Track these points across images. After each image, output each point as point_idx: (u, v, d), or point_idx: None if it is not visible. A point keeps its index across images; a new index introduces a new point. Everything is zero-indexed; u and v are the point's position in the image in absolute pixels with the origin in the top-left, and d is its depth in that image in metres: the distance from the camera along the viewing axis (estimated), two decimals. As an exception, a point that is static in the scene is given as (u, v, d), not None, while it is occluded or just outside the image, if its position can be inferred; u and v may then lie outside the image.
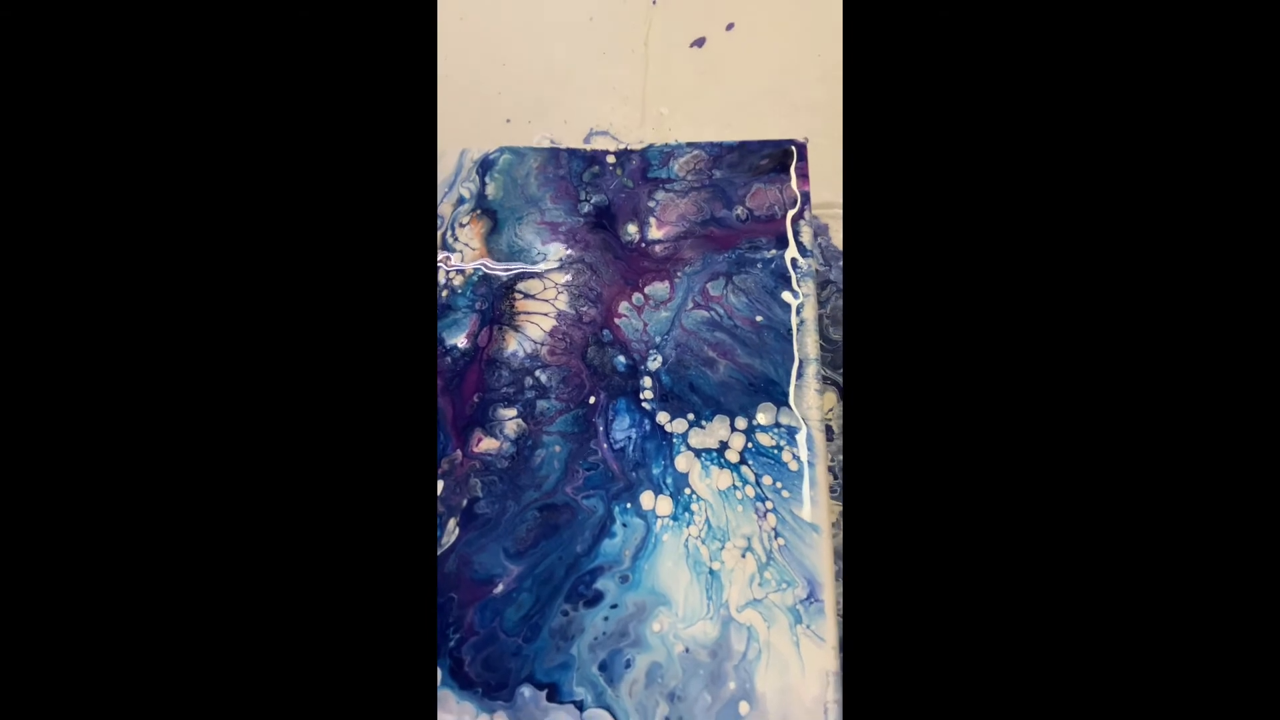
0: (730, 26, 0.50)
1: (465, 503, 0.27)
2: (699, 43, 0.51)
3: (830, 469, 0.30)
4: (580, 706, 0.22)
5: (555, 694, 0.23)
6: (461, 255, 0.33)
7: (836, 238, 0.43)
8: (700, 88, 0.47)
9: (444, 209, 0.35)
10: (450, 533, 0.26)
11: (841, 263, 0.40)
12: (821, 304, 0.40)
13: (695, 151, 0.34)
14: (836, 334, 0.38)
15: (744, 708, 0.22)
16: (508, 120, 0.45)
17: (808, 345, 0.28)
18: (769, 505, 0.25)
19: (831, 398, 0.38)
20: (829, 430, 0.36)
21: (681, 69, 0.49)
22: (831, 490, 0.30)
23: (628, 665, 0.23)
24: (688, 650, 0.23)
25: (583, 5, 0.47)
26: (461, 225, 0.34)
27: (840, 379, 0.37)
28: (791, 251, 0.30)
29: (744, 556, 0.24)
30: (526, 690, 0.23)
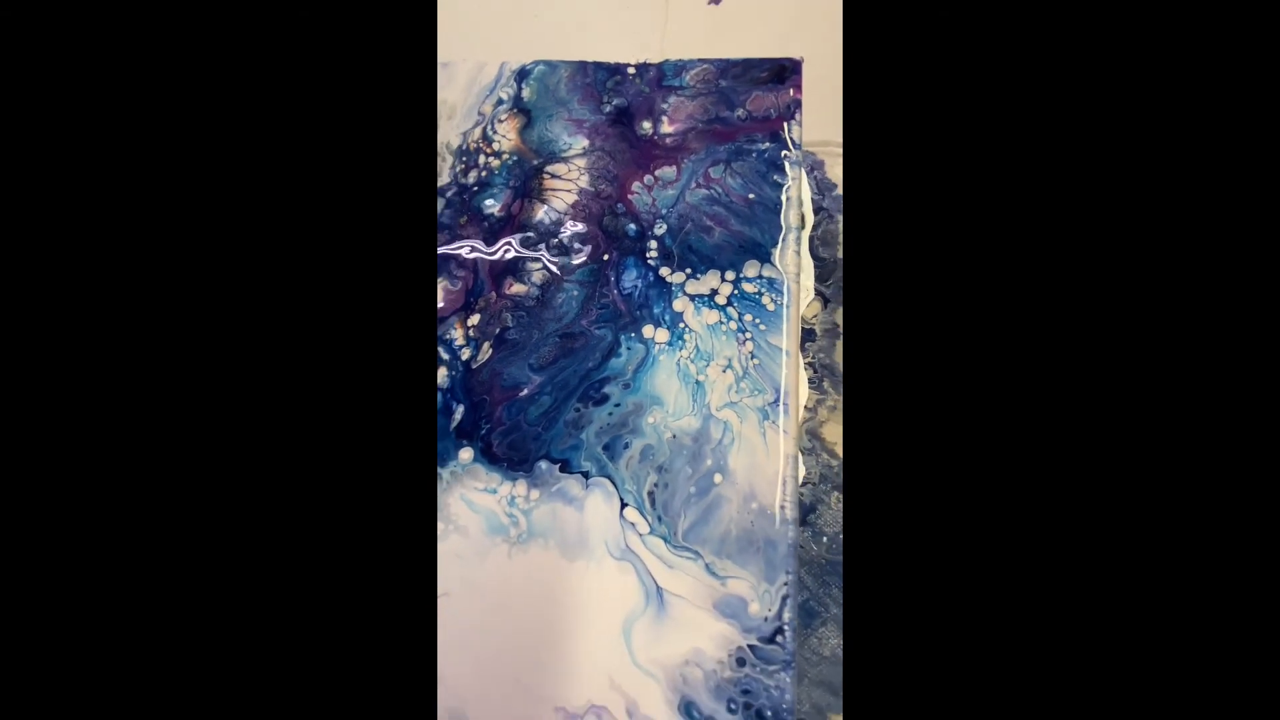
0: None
1: (497, 331, 0.32)
2: (715, 1, 0.56)
3: (806, 326, 0.35)
4: (586, 475, 0.28)
5: (566, 467, 0.28)
6: (498, 144, 0.38)
7: (832, 172, 0.48)
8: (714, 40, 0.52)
9: (485, 108, 0.40)
10: (485, 352, 0.31)
11: (837, 192, 0.45)
12: (815, 226, 0.45)
13: (705, 65, 0.39)
14: (825, 253, 0.42)
15: (718, 478, 0.27)
16: (529, 42, 0.50)
17: (791, 217, 0.33)
18: (748, 335, 0.30)
19: (816, 305, 0.43)
20: (810, 333, 0.41)
21: (699, 22, 0.53)
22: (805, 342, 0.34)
23: (625, 446, 0.28)
24: (675, 436, 0.28)
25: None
26: (500, 121, 0.39)
27: (827, 291, 0.42)
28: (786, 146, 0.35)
29: (724, 371, 0.29)
30: (543, 464, 0.28)
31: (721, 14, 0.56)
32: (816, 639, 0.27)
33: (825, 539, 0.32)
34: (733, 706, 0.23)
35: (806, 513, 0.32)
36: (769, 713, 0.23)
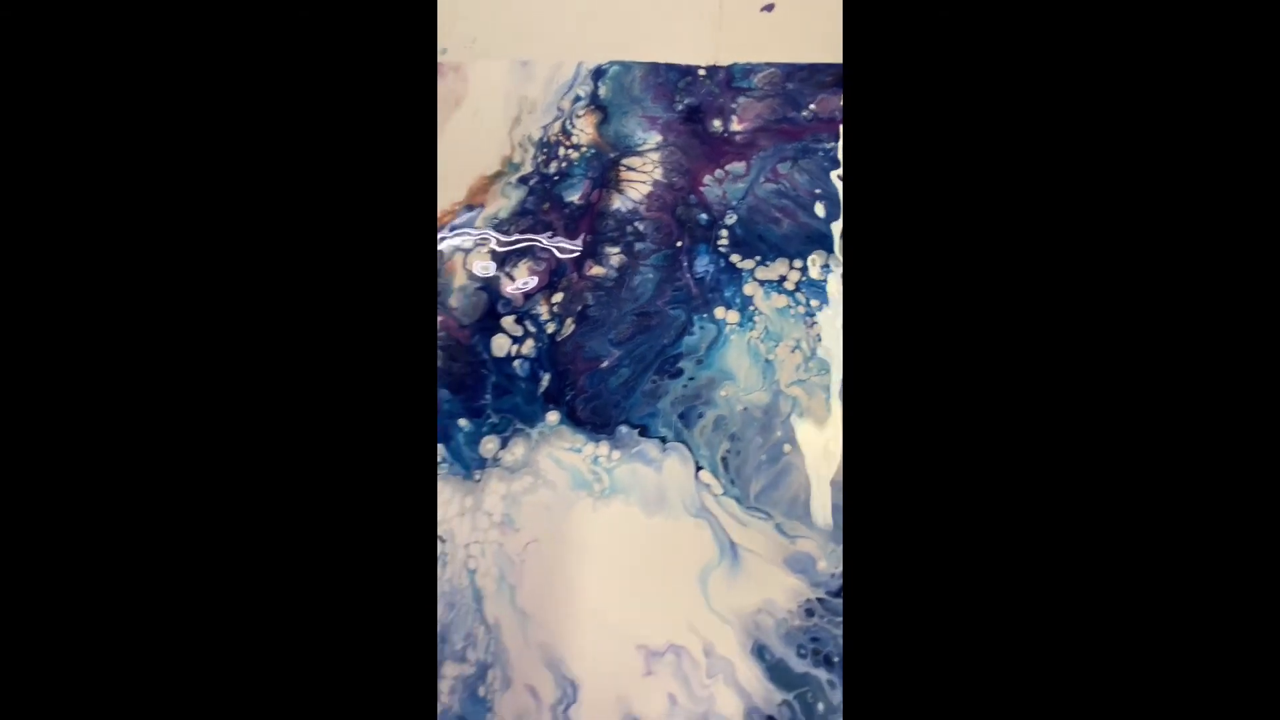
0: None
1: (579, 308, 0.34)
2: (768, 8, 0.58)
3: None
4: (664, 440, 0.30)
5: (645, 432, 0.30)
6: (577, 138, 0.40)
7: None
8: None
9: (564, 104, 0.43)
10: (568, 327, 0.34)
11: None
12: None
13: (772, 69, 0.41)
14: None
15: (787, 448, 0.29)
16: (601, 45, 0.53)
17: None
18: (815, 319, 0.32)
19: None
20: None
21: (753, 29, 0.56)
22: None
23: (699, 416, 0.30)
24: (746, 409, 0.30)
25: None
26: (578, 116, 0.42)
27: None
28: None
29: (793, 352, 0.31)
30: (624, 428, 0.31)
31: (773, 20, 0.58)
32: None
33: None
34: (802, 652, 0.25)
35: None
36: (835, 659, 0.25)
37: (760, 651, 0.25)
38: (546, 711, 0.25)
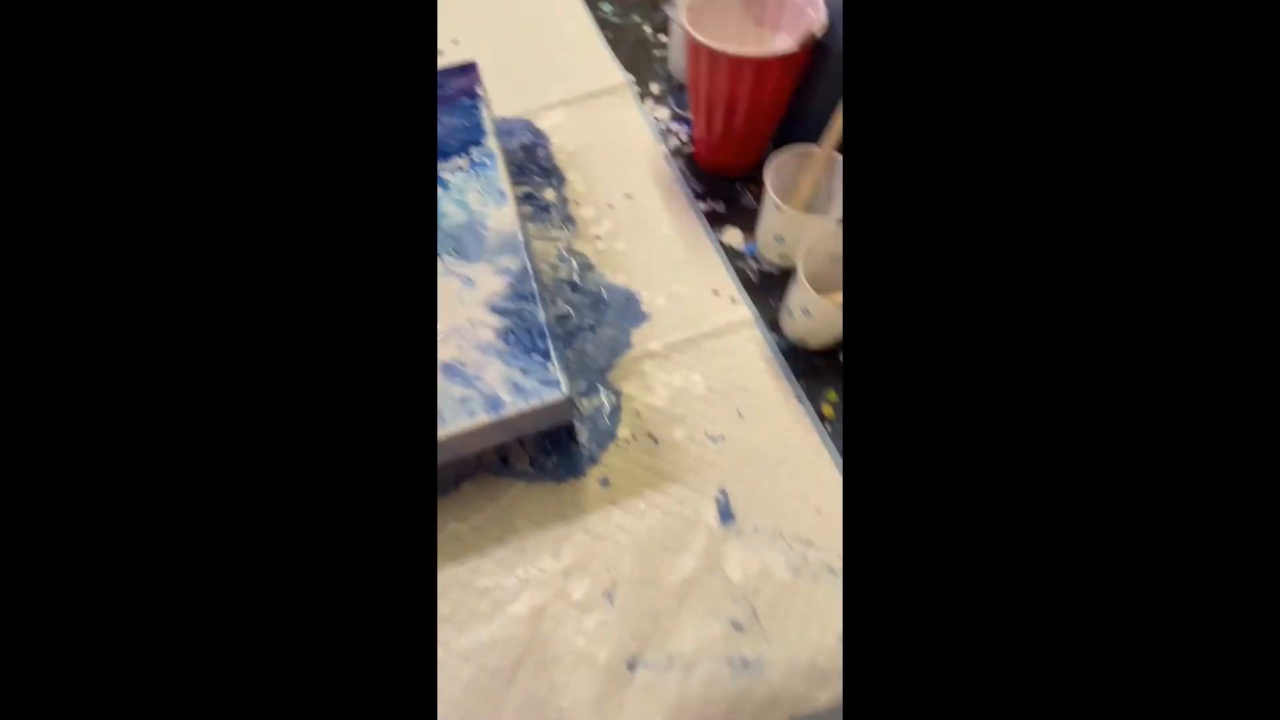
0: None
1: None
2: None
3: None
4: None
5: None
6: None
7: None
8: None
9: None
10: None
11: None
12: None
13: (437, 82, 0.69)
14: None
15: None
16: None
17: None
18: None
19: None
20: None
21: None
22: None
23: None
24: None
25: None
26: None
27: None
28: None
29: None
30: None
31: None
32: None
33: (582, 291, 0.61)
34: (513, 299, 0.50)
35: (578, 282, 0.61)
36: (528, 296, 0.50)
37: (493, 309, 0.50)
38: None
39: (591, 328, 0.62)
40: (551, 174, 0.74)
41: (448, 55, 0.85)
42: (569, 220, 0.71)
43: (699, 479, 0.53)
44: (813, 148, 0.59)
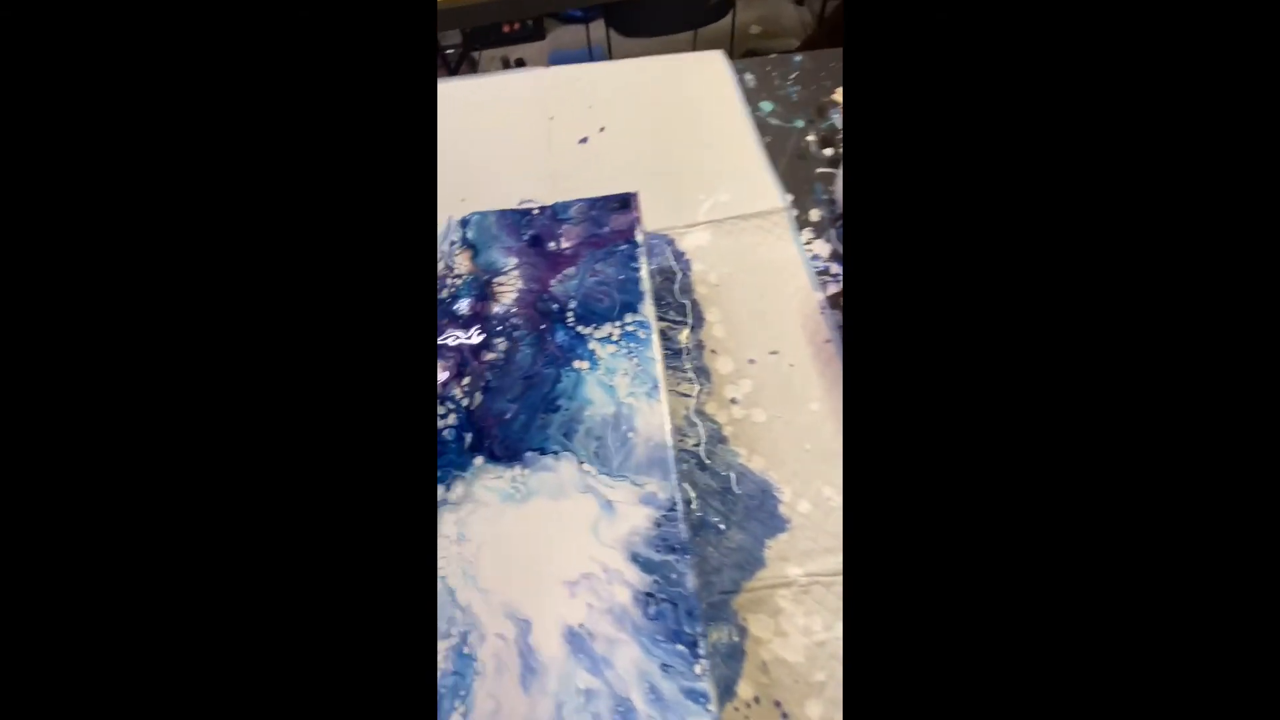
0: (603, 129, 0.80)
1: (483, 384, 0.50)
2: (584, 140, 0.80)
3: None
4: (556, 453, 0.46)
5: (543, 451, 0.46)
6: (459, 269, 0.57)
7: (682, 243, 0.72)
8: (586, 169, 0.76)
9: (444, 249, 0.60)
10: (477, 399, 0.49)
11: (686, 257, 0.68)
12: (673, 280, 0.67)
13: (580, 203, 0.62)
14: (684, 298, 0.65)
15: (630, 434, 0.46)
16: (463, 200, 0.71)
17: (644, 285, 0.54)
18: (634, 356, 0.50)
19: (685, 331, 0.64)
20: (685, 350, 0.62)
21: (573, 158, 0.78)
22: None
23: (575, 430, 0.47)
24: (603, 418, 0.47)
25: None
26: (456, 255, 0.59)
27: (690, 320, 0.64)
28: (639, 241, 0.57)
29: (624, 377, 0.49)
30: (529, 453, 0.46)
31: (589, 150, 0.80)
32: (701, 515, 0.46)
33: (710, 471, 0.52)
34: (659, 550, 0.41)
35: (704, 459, 0.52)
36: (680, 549, 0.41)
37: (635, 558, 0.41)
38: (513, 645, 0.39)
39: (717, 527, 0.53)
40: (689, 311, 0.66)
41: (592, 143, 0.79)
42: (703, 373, 0.62)
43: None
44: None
